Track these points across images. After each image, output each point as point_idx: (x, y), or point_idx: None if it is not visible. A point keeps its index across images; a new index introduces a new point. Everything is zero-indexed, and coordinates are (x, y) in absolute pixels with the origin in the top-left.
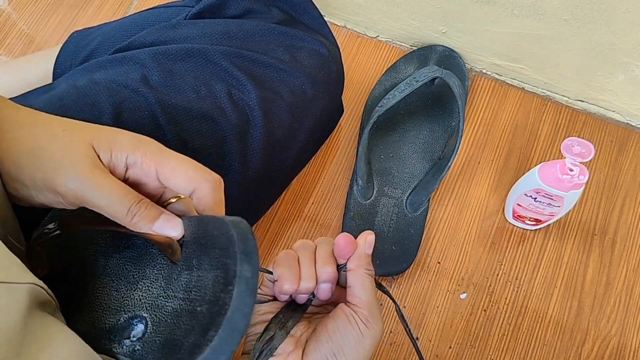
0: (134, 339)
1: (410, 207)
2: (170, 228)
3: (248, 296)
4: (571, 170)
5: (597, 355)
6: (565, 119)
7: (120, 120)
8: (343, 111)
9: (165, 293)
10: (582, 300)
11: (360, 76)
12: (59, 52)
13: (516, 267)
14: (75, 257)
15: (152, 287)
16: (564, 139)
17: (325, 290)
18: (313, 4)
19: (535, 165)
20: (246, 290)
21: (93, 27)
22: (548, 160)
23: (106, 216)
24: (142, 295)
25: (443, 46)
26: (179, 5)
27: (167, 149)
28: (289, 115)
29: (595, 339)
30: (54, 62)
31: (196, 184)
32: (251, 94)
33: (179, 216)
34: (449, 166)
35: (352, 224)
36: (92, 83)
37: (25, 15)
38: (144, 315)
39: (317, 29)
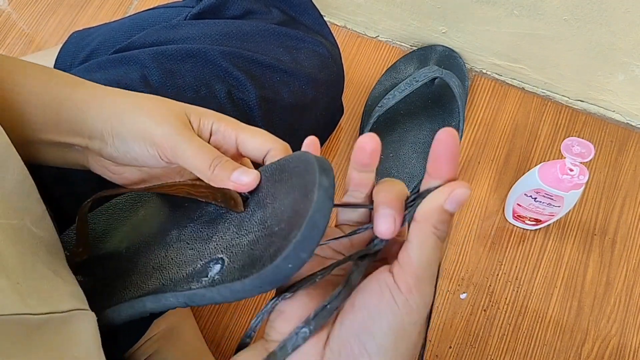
0: (212, 275)
1: None
2: (246, 175)
3: (327, 200)
4: (571, 170)
5: (597, 355)
6: (565, 119)
7: None
8: (343, 111)
9: (238, 234)
10: (582, 300)
11: (360, 76)
12: (59, 52)
13: (516, 267)
14: (144, 234)
15: (225, 236)
16: (564, 139)
17: (386, 219)
18: (313, 4)
19: (535, 165)
20: (325, 196)
21: (93, 28)
22: (548, 160)
23: (190, 169)
24: (216, 245)
25: (443, 46)
26: (179, 6)
27: (242, 122)
28: (289, 115)
29: (595, 339)
30: (53, 62)
31: (270, 144)
32: (251, 94)
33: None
34: None
35: None
36: None
37: (25, 15)
38: (219, 256)
39: (317, 29)
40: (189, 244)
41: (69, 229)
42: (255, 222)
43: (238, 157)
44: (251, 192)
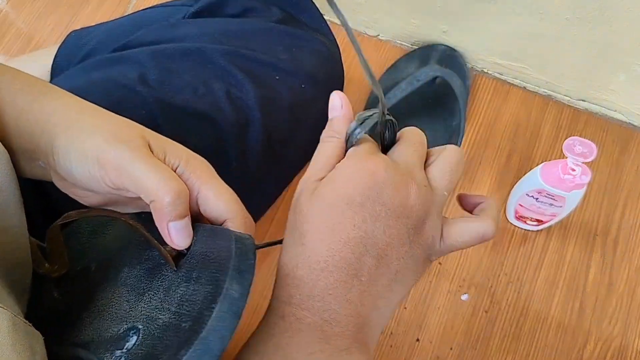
0: (125, 350)
1: None
2: (181, 235)
3: (229, 318)
4: (573, 170)
5: (599, 357)
6: (567, 119)
7: None
8: None
9: (161, 305)
10: (584, 301)
11: (361, 75)
12: (57, 51)
13: (518, 267)
14: (108, 256)
15: (153, 299)
16: (565, 139)
17: None
18: (313, 2)
19: (537, 165)
20: (228, 312)
21: (91, 27)
22: (550, 160)
23: (138, 190)
24: (144, 307)
25: (444, 45)
26: (178, 5)
27: (215, 173)
28: (288, 114)
29: (597, 340)
30: (51, 61)
31: (234, 214)
32: (250, 93)
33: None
34: None
35: None
36: (89, 82)
37: (24, 14)
38: (139, 326)
39: (317, 27)
40: (129, 293)
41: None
42: (177, 298)
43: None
44: (188, 249)
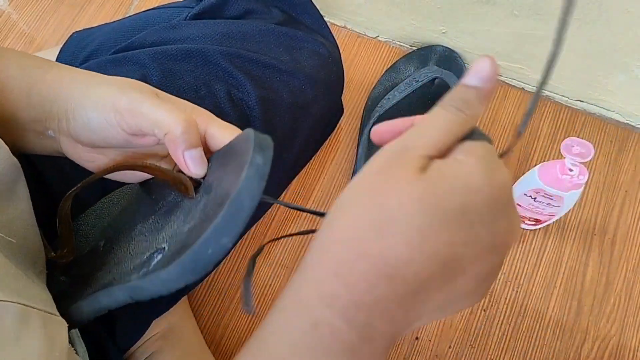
0: (152, 265)
1: None
2: (199, 164)
3: (257, 179)
4: (571, 170)
5: (597, 355)
6: (565, 119)
7: None
8: (343, 111)
9: (184, 222)
10: (581, 300)
11: (360, 76)
12: (59, 53)
13: (516, 267)
14: (117, 228)
15: (173, 226)
16: (563, 139)
17: None
18: (313, 4)
19: (535, 165)
20: (256, 174)
21: (93, 28)
22: (548, 160)
23: (154, 126)
24: (164, 234)
25: (443, 46)
26: (179, 6)
27: (218, 118)
28: (288, 115)
29: (594, 339)
30: None
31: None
32: (251, 94)
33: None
34: None
35: None
36: None
37: (26, 15)
38: (163, 246)
39: (317, 29)
40: (146, 236)
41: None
42: (199, 209)
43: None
44: (203, 177)
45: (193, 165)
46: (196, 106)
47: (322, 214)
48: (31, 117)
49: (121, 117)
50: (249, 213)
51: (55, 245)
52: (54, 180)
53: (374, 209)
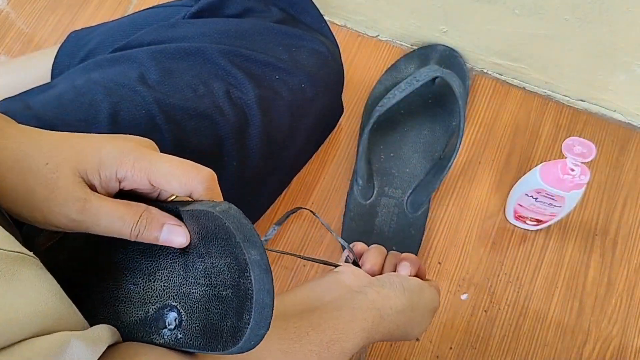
0: (172, 327)
1: (411, 207)
2: (176, 236)
3: (265, 276)
4: (572, 170)
5: (599, 356)
6: (567, 119)
7: (117, 119)
8: (343, 111)
9: (187, 281)
10: (583, 301)
11: (361, 76)
12: (57, 52)
13: (517, 267)
14: (82, 260)
15: (171, 277)
16: (565, 139)
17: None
18: (312, 3)
19: (537, 165)
20: (261, 272)
21: (91, 27)
22: (549, 160)
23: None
24: (164, 285)
25: (444, 45)
26: (178, 5)
27: (153, 153)
28: (288, 114)
29: (596, 340)
30: (52, 61)
31: (191, 187)
32: (250, 93)
33: (178, 209)
34: (450, 166)
35: (352, 225)
36: (89, 82)
37: (24, 14)
38: (172, 304)
39: (317, 28)
40: (126, 276)
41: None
42: (200, 272)
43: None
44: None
45: (173, 240)
46: (125, 151)
47: (335, 265)
48: None
49: (66, 228)
50: (272, 305)
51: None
52: None
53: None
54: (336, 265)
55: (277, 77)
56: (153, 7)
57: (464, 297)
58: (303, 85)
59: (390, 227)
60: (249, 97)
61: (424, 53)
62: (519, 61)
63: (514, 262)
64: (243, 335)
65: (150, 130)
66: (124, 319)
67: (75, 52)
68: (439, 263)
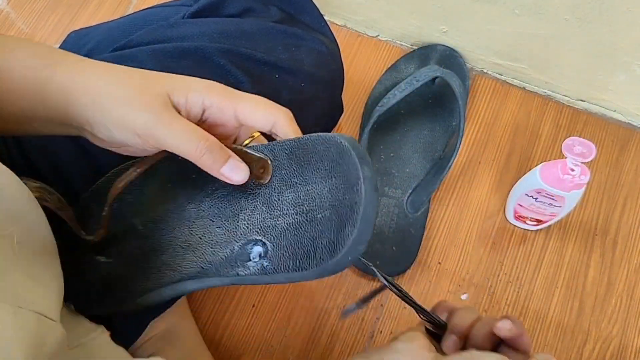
0: (256, 259)
1: (411, 207)
2: (237, 172)
3: (374, 192)
4: (572, 170)
5: (599, 356)
6: (567, 119)
7: None
8: (343, 110)
9: (270, 215)
10: (583, 301)
11: (361, 76)
12: None
13: (517, 267)
14: (157, 208)
15: (254, 214)
16: (565, 139)
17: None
18: (312, 2)
19: (537, 165)
20: (372, 188)
21: (91, 27)
22: (549, 160)
23: (180, 154)
24: (247, 224)
25: (444, 45)
26: (178, 4)
27: (237, 90)
28: None
29: (596, 340)
30: None
31: (275, 117)
32: (249, 93)
33: (268, 140)
34: (450, 166)
35: None
36: None
37: (24, 14)
38: (257, 238)
39: (317, 27)
40: (213, 221)
41: (83, 198)
42: (288, 203)
43: (238, 127)
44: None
45: (233, 176)
46: (209, 85)
47: (438, 322)
48: (48, 116)
49: (144, 141)
50: (374, 222)
51: (85, 225)
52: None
53: None
54: (440, 323)
55: (276, 76)
56: (152, 7)
57: (464, 297)
58: (303, 85)
59: (390, 227)
60: None
61: (424, 53)
62: (519, 61)
63: (514, 262)
64: (343, 247)
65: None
66: (210, 258)
67: (74, 52)
68: (439, 263)
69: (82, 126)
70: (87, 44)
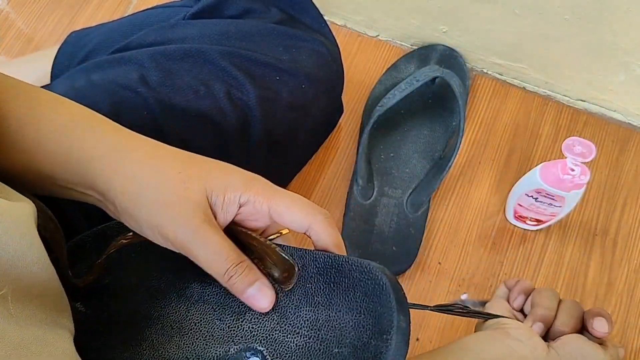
0: None
1: (411, 207)
2: (263, 297)
3: (404, 347)
4: (572, 170)
5: None
6: (567, 119)
7: (118, 121)
8: (343, 111)
9: (281, 327)
10: (583, 301)
11: (361, 76)
12: (57, 52)
13: (517, 267)
14: (159, 274)
15: (262, 320)
16: (565, 139)
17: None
18: (312, 3)
19: (536, 165)
20: (403, 342)
21: (91, 28)
22: (549, 160)
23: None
24: (252, 327)
25: (444, 45)
26: (178, 5)
27: (277, 187)
28: (288, 115)
29: None
30: (52, 62)
31: (312, 219)
32: (250, 94)
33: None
34: (450, 166)
35: (352, 225)
36: (90, 84)
37: (24, 14)
38: (258, 348)
39: (317, 28)
40: (215, 310)
41: (82, 236)
42: (304, 322)
43: (269, 222)
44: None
45: (255, 301)
46: (250, 178)
47: (494, 317)
48: (72, 181)
49: (171, 245)
50: None
51: (73, 265)
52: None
53: None
54: (496, 317)
55: (277, 77)
56: (153, 8)
57: (464, 297)
58: (303, 86)
59: (390, 227)
60: (250, 98)
61: (424, 53)
62: (519, 61)
63: (514, 262)
64: None
65: (152, 131)
66: (199, 351)
67: (74, 52)
68: (439, 263)
69: (107, 200)
70: (87, 44)
